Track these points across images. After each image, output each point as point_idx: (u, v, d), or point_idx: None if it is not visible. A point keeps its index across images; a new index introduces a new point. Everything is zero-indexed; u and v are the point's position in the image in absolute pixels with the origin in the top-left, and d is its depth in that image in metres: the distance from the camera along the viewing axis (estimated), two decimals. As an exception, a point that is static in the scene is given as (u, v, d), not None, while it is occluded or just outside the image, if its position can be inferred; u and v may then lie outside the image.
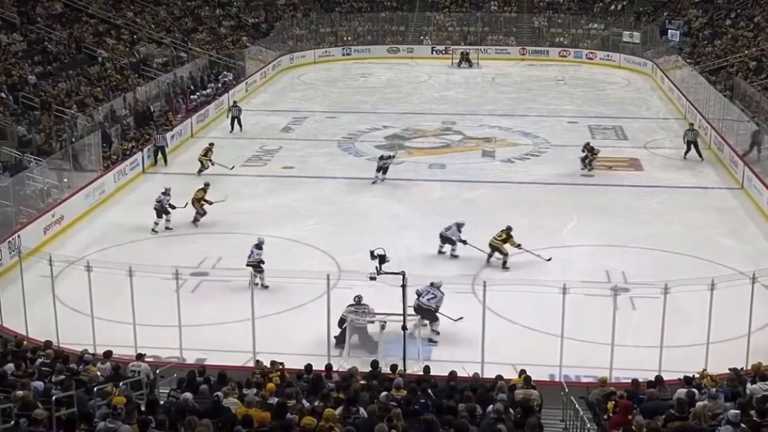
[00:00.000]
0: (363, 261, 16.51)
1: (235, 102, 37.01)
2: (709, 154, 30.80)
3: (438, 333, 17.62)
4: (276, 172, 29.62)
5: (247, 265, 19.48)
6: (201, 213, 24.19)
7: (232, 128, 35.07)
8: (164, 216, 23.74)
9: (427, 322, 17.55)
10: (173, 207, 23.74)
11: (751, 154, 28.21)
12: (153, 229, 23.63)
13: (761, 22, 43.16)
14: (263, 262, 19.73)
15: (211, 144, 29.66)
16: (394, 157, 29.04)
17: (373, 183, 27.85)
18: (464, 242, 21.45)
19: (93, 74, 35.60)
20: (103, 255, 20.88)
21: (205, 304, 18.87)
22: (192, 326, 16.95)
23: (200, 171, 28.40)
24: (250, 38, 49.25)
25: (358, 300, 17.13)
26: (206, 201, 24.24)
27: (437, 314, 17.56)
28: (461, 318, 17.48)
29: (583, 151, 29.24)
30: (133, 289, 16.13)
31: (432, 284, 17.65)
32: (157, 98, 35.89)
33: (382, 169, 28.06)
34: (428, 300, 17.51)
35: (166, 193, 23.89)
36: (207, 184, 24.70)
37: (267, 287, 19.55)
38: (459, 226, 21.68)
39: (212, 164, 28.66)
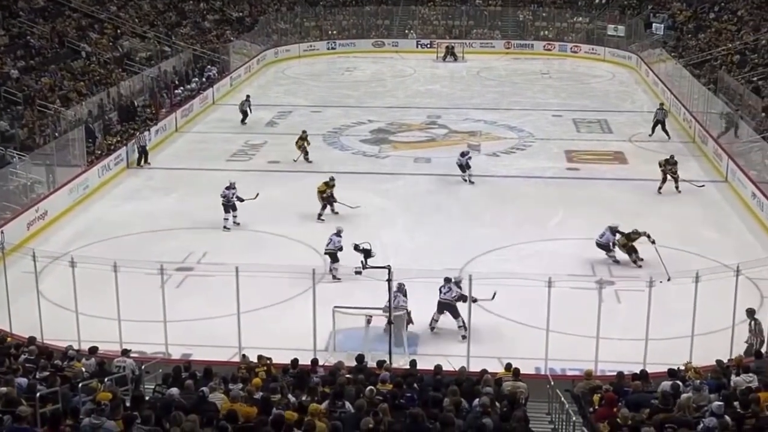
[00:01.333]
0: (349, 256, 16.53)
1: (248, 96, 36.25)
2: (693, 147, 30.92)
3: (465, 328, 17.30)
4: (261, 167, 29.56)
5: (325, 253, 20.19)
6: (323, 206, 23.95)
7: (243, 121, 35.02)
8: (231, 211, 23.24)
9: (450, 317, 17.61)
10: (241, 200, 23.27)
11: (727, 134, 28.39)
12: (224, 227, 23.09)
13: (744, 16, 43.33)
14: (341, 250, 20.06)
15: (304, 132, 29.98)
16: (469, 154, 27.98)
17: (467, 182, 27.25)
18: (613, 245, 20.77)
19: (76, 69, 35.41)
20: (88, 251, 20.78)
21: (190, 300, 18.85)
22: (177, 321, 16.92)
23: (301, 158, 28.98)
24: (234, 32, 49.09)
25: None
26: (330, 197, 23.91)
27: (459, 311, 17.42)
28: (495, 294, 17.41)
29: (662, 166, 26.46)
30: (117, 284, 16.07)
31: (446, 279, 17.61)
32: (141, 93, 35.74)
33: (463, 166, 27.38)
34: (445, 294, 17.55)
35: (231, 186, 23.38)
36: (332, 179, 24.25)
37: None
38: (612, 230, 20.91)
39: (307, 150, 29.21)
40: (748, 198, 24.97)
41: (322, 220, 23.56)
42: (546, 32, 53.67)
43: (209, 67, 41.57)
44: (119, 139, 30.30)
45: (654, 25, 48.67)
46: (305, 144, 29.30)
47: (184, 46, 43.19)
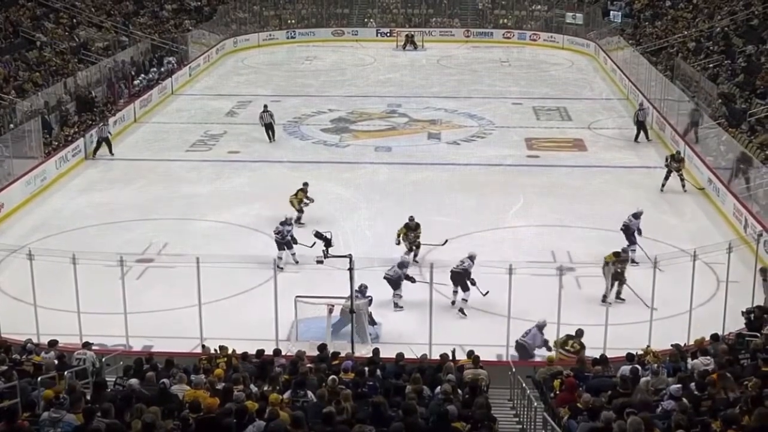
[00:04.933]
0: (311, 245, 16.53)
1: (265, 106, 31.45)
2: (651, 134, 31.20)
3: (466, 301, 17.90)
4: (221, 157, 29.40)
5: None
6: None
7: (269, 137, 30.73)
8: (286, 249, 20.09)
9: (459, 288, 18.01)
10: (295, 242, 20.20)
11: (690, 134, 28.61)
12: (278, 266, 18.13)
13: (700, 4, 43.77)
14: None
15: (305, 184, 23.15)
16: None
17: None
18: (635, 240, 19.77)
19: (31, 59, 34.91)
20: (46, 243, 20.56)
21: (151, 291, 18.73)
22: (138, 313, 16.80)
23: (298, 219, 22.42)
24: (192, 22, 48.62)
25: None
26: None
27: (468, 283, 17.86)
28: (488, 292, 17.71)
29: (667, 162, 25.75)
30: (76, 277, 15.92)
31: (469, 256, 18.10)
32: (98, 83, 35.32)
33: None
34: (458, 266, 17.95)
35: (287, 222, 20.37)
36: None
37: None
38: (637, 216, 20.26)
39: (306, 205, 22.83)
40: (705, 183, 25.27)
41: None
42: (505, 20, 53.82)
43: (168, 59, 41.13)
44: (77, 130, 29.92)
45: (611, 12, 49.00)
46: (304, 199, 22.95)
47: (141, 36, 42.74)
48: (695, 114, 29.09)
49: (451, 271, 17.93)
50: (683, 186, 25.21)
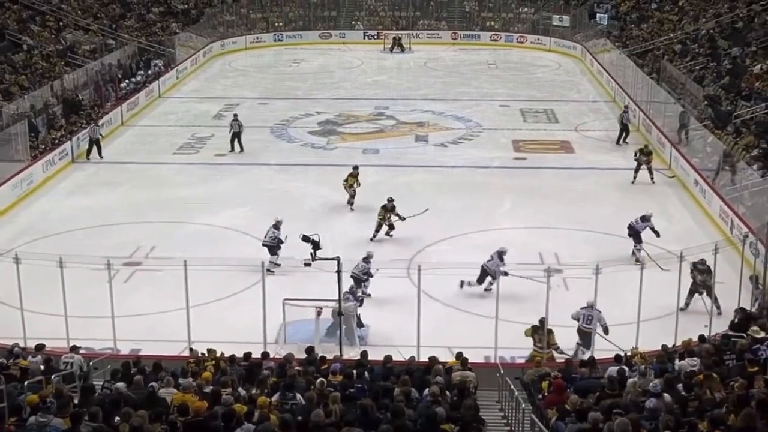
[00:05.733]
0: (298, 247, 16.50)
1: (235, 115, 30.96)
2: (637, 136, 31.30)
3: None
4: (208, 160, 29.35)
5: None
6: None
7: (233, 147, 30.02)
8: (277, 252, 20.25)
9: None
10: (281, 242, 20.21)
11: (681, 136, 28.72)
12: (269, 269, 18.52)
13: (685, 6, 44.01)
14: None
15: (355, 168, 24.62)
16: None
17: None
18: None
19: (18, 62, 34.79)
20: (33, 247, 20.45)
21: (139, 294, 18.68)
22: (126, 317, 16.76)
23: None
24: (179, 24, 48.56)
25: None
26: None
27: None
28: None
29: (636, 156, 26.47)
30: (64, 280, 15.87)
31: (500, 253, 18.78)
32: (85, 86, 35.22)
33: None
34: (487, 262, 18.65)
35: (278, 227, 20.42)
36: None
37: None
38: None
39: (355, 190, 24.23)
40: (691, 185, 25.38)
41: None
42: (492, 23, 53.97)
43: (156, 62, 41.04)
44: (63, 133, 29.84)
45: (598, 15, 49.19)
46: (355, 183, 24.28)
47: (128, 39, 42.64)
48: (683, 116, 29.24)
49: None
50: (652, 178, 26.04)
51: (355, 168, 24.33)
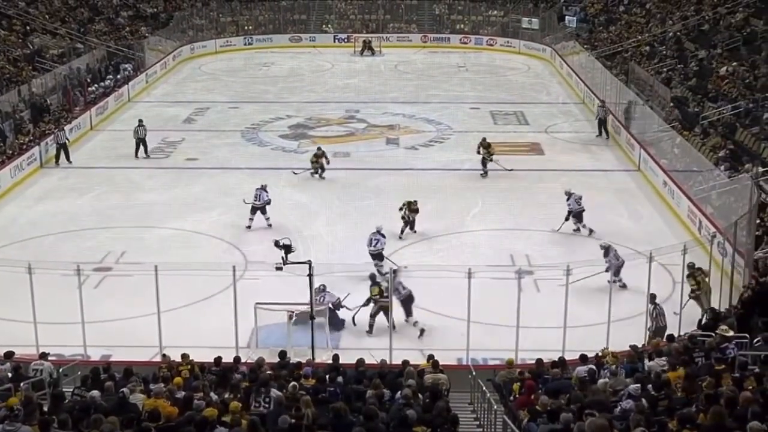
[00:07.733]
0: (269, 251, 16.48)
1: (140, 120, 30.74)
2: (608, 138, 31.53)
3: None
4: (179, 164, 29.22)
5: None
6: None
7: (137, 153, 29.72)
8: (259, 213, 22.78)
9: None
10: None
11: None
12: (248, 226, 22.79)
13: (652, 9, 44.43)
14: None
15: (319, 148, 27.79)
16: None
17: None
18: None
19: (-16, 66, 34.51)
20: (1, 252, 20.28)
21: (109, 300, 18.53)
22: (96, 323, 16.63)
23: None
24: (149, 28, 48.32)
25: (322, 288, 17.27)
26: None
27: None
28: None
29: (479, 151, 27.69)
30: (33, 286, 15.73)
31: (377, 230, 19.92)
32: (53, 91, 34.94)
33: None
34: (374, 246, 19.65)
35: (265, 188, 23.08)
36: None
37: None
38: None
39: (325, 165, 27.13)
40: (660, 186, 25.60)
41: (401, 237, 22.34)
42: (462, 25, 54.15)
43: (125, 66, 40.80)
44: (31, 138, 29.59)
45: (567, 17, 49.50)
46: (323, 161, 27.17)
47: (97, 43, 42.36)
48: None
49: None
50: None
51: (319, 149, 27.20)
